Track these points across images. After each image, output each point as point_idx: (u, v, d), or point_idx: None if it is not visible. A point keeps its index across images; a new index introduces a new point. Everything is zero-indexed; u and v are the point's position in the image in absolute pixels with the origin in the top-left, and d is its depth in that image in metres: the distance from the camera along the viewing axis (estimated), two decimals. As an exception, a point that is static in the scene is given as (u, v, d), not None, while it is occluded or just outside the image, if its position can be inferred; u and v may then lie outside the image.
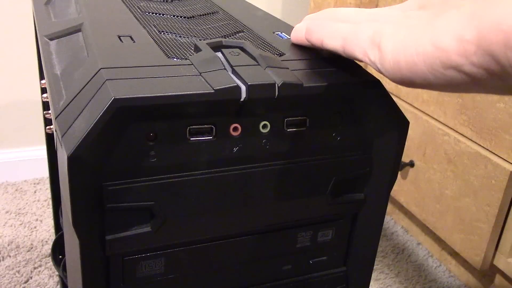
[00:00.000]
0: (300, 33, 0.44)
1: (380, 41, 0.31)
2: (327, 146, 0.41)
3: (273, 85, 0.36)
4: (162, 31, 0.48)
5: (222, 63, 0.38)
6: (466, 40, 0.26)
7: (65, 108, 0.36)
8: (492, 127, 0.91)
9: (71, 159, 0.32)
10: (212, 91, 0.35)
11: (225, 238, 0.41)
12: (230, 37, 0.48)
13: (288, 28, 0.53)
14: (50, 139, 0.88)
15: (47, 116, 0.75)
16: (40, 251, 1.08)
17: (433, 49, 0.28)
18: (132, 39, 0.44)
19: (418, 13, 0.32)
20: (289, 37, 0.49)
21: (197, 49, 0.41)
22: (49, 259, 1.05)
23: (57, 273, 1.01)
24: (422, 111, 1.08)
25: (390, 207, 1.28)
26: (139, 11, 0.54)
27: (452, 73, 0.27)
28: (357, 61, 0.39)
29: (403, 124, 0.42)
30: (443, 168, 1.02)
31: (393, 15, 0.34)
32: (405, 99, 1.12)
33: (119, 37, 0.44)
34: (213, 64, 0.38)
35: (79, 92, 0.36)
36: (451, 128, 1.01)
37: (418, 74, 0.29)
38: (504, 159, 0.90)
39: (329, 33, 0.37)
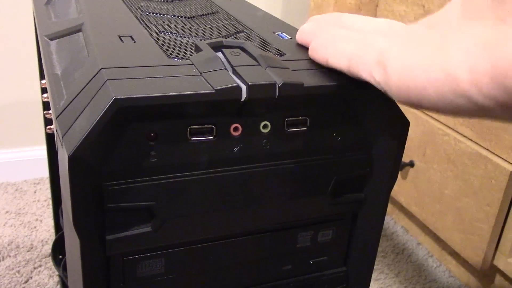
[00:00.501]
0: (305, 36, 0.44)
1: (386, 61, 0.31)
2: (328, 146, 0.41)
3: (273, 85, 0.36)
4: (163, 31, 0.48)
5: (223, 63, 0.38)
6: (480, 71, 0.26)
7: (65, 108, 0.36)
8: (492, 127, 0.91)
9: (71, 159, 0.32)
10: (213, 91, 0.35)
11: (225, 238, 0.41)
12: (230, 37, 0.48)
13: (288, 28, 0.53)
14: (50, 139, 0.88)
15: (47, 116, 0.75)
16: (40, 251, 1.08)
17: (444, 76, 0.27)
18: (132, 39, 0.44)
19: (427, 33, 0.31)
20: (289, 37, 0.49)
21: (197, 49, 0.41)
22: (49, 259, 1.05)
23: (57, 273, 1.01)
24: (422, 111, 1.08)
25: (390, 207, 1.28)
26: (140, 11, 0.54)
27: (462, 102, 0.27)
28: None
29: (403, 124, 0.42)
30: (443, 168, 1.02)
31: (401, 32, 0.33)
32: (405, 99, 1.12)
33: (119, 37, 0.44)
34: (214, 64, 0.38)
35: (79, 92, 0.36)
36: (451, 128, 1.01)
37: (427, 99, 0.29)
38: (504, 159, 0.90)
39: (334, 52, 0.37)
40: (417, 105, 0.30)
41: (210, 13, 0.57)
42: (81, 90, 0.36)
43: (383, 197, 0.45)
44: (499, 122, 0.90)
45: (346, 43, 0.36)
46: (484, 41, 0.26)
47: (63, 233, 0.65)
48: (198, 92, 0.35)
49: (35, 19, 0.60)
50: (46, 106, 0.78)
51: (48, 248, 1.09)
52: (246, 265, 0.43)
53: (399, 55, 0.30)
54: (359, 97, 0.40)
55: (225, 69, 0.38)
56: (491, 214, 0.92)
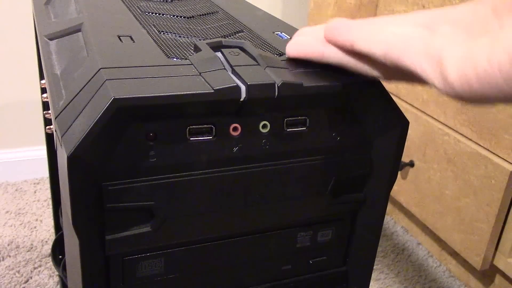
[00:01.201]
0: (306, 44, 0.39)
1: (440, 55, 0.29)
2: (327, 146, 0.41)
3: (272, 85, 0.36)
4: (162, 31, 0.48)
5: (222, 63, 0.38)
6: None
7: (65, 108, 0.36)
8: (492, 127, 0.91)
9: (70, 159, 0.32)
10: (212, 91, 0.35)
11: (225, 238, 0.41)
12: (230, 37, 0.48)
13: (288, 28, 0.53)
14: (50, 139, 0.88)
15: (47, 116, 0.75)
16: (40, 251, 1.08)
17: (508, 58, 0.26)
18: (132, 39, 0.44)
19: (483, 20, 0.30)
20: (289, 37, 0.49)
21: (197, 49, 0.41)
22: (49, 259, 1.05)
23: (57, 273, 1.01)
24: (422, 111, 1.08)
25: (390, 207, 1.28)
26: (139, 11, 0.54)
27: None
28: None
29: (403, 124, 0.42)
30: (443, 168, 1.02)
31: (444, 27, 0.31)
32: (405, 99, 1.12)
33: (119, 37, 0.44)
34: (213, 64, 0.38)
35: (78, 92, 0.36)
36: (451, 128, 1.01)
37: (493, 87, 0.27)
38: (504, 159, 0.90)
39: (365, 35, 0.34)
40: (482, 98, 0.28)
41: (210, 13, 0.57)
42: (80, 90, 0.36)
43: (383, 197, 0.45)
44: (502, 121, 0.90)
45: (383, 28, 0.33)
46: None
47: (63, 233, 0.65)
48: (197, 92, 0.35)
49: (35, 19, 0.60)
50: (46, 106, 0.78)
51: (48, 248, 1.09)
52: (246, 265, 0.43)
53: (455, 48, 0.29)
54: (359, 97, 0.40)
55: (224, 69, 0.37)
56: (491, 214, 0.92)
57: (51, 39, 0.49)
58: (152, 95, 0.34)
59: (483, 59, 0.27)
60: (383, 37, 0.33)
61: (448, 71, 0.29)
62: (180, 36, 0.47)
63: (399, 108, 0.42)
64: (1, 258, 1.05)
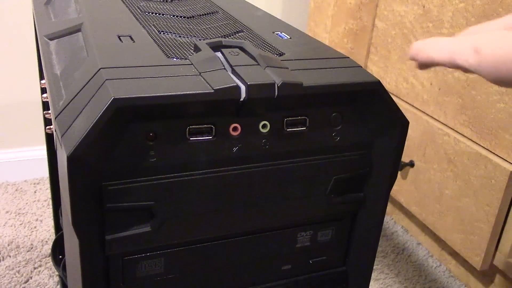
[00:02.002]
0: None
1: (480, 47, 0.37)
2: (327, 146, 0.41)
3: (272, 85, 0.36)
4: (162, 31, 0.48)
5: (222, 63, 0.38)
6: None
7: (64, 108, 0.36)
8: (492, 127, 0.91)
9: (70, 159, 0.32)
10: (212, 91, 0.35)
11: (225, 238, 0.41)
12: (230, 37, 0.48)
13: (288, 28, 0.53)
14: (50, 139, 0.88)
15: (47, 116, 0.75)
16: (40, 251, 1.08)
17: None
18: (131, 39, 0.44)
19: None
20: (289, 37, 0.49)
21: (196, 49, 0.41)
22: (49, 259, 1.05)
23: (57, 273, 1.01)
24: (422, 111, 1.08)
25: (390, 207, 1.27)
26: (139, 11, 0.54)
27: None
28: (359, 63, 0.39)
29: (403, 124, 0.42)
30: (443, 168, 1.02)
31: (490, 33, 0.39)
32: (405, 99, 1.12)
33: (118, 37, 0.44)
34: (213, 64, 0.38)
35: (78, 92, 0.36)
36: (451, 128, 1.01)
37: None
38: (504, 159, 0.90)
39: (436, 48, 0.42)
40: (508, 81, 0.36)
41: (210, 13, 0.57)
42: (80, 90, 0.36)
43: (383, 197, 0.45)
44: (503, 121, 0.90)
45: (447, 41, 0.42)
46: None
47: (63, 233, 0.65)
48: (197, 92, 0.35)
49: (35, 19, 0.60)
50: (46, 106, 0.78)
51: (48, 248, 1.09)
52: (246, 265, 0.43)
53: (492, 41, 0.37)
54: (359, 97, 0.40)
55: (224, 69, 0.38)
56: (491, 214, 0.92)
57: (51, 39, 0.49)
58: (152, 95, 0.34)
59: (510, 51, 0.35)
60: (447, 46, 0.41)
61: (483, 59, 0.36)
62: (180, 36, 0.47)
63: (399, 108, 0.42)
64: (1, 258, 1.05)
